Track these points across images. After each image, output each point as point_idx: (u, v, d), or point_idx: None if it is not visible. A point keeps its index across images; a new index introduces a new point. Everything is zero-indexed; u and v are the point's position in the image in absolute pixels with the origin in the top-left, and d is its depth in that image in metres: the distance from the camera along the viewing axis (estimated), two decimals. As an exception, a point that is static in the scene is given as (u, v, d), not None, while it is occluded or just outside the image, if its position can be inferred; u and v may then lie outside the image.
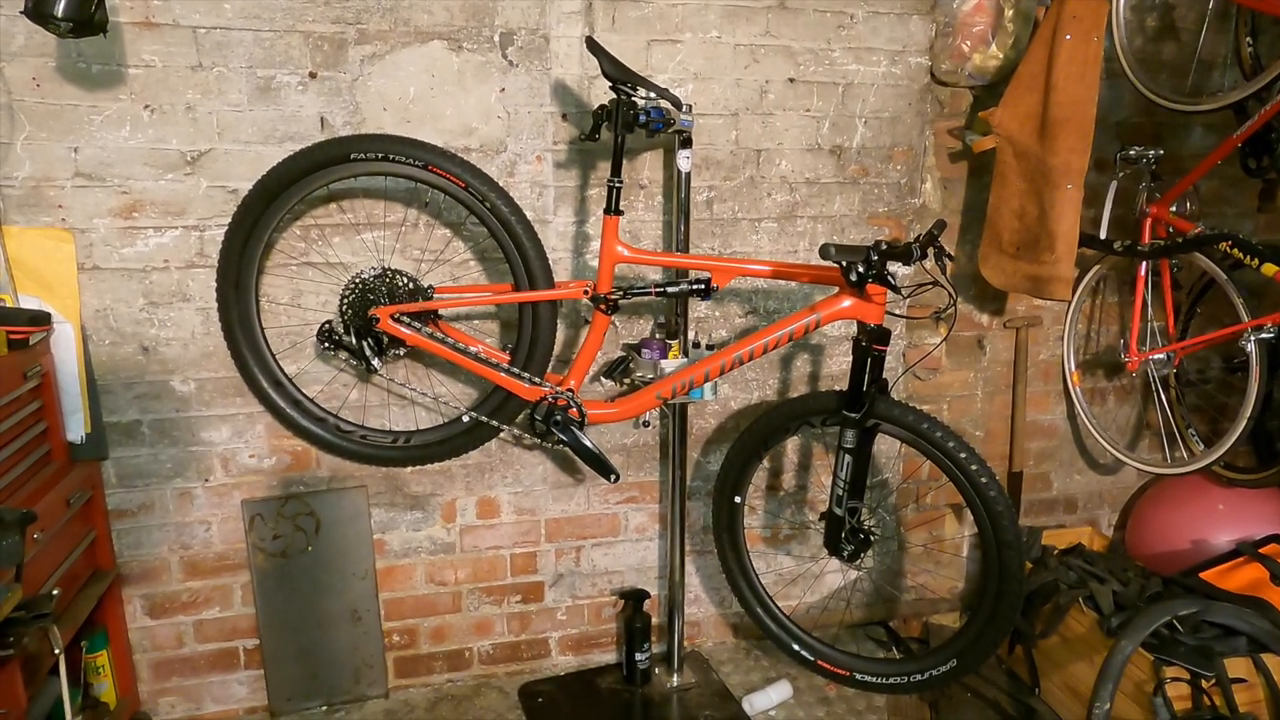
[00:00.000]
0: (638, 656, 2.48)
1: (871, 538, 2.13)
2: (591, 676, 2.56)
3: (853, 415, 2.02)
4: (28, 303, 2.00)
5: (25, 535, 1.52)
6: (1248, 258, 2.21)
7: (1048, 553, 2.59)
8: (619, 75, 1.98)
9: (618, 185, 2.03)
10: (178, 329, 2.14)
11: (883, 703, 2.45)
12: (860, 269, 1.88)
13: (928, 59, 2.48)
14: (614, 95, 2.00)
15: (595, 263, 2.33)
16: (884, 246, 1.89)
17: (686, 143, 2.18)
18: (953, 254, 2.60)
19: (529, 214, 2.12)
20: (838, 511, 2.10)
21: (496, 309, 2.33)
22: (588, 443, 2.13)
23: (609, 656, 2.66)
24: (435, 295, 2.11)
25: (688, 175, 2.22)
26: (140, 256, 2.08)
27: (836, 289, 2.02)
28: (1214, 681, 2.03)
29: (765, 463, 2.58)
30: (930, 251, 1.94)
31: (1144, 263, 2.55)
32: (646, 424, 2.32)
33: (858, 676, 2.24)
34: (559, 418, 2.12)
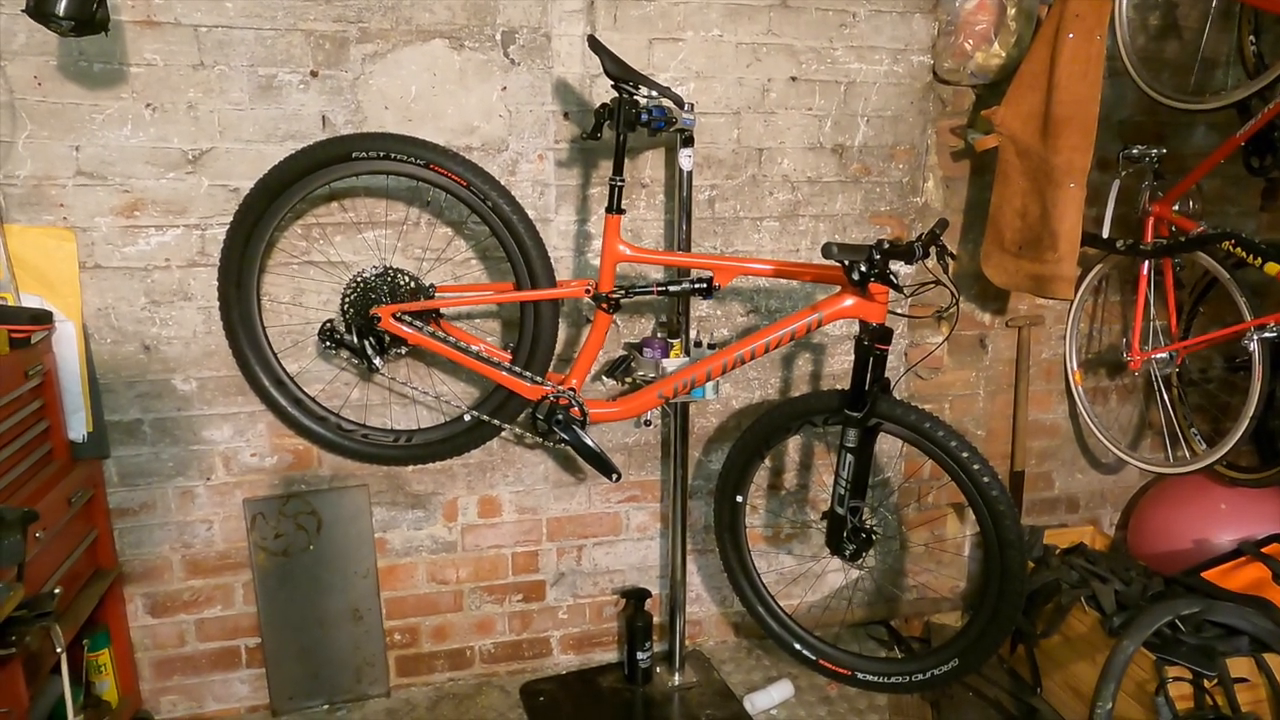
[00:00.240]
0: (639, 655, 2.47)
1: (873, 537, 2.12)
2: (593, 675, 2.56)
3: (855, 414, 2.02)
4: (29, 301, 2.00)
5: (27, 534, 1.52)
6: (1250, 257, 2.21)
7: (1050, 552, 2.59)
8: (621, 74, 1.97)
9: (619, 184, 2.03)
10: (179, 328, 2.14)
11: (884, 702, 2.45)
12: (862, 268, 1.87)
13: (930, 57, 2.48)
14: (616, 94, 2.00)
15: (597, 261, 2.32)
16: (886, 245, 1.88)
17: (688, 141, 2.18)
18: (955, 253, 2.58)
19: (530, 213, 2.12)
20: (839, 511, 2.10)
21: (498, 308, 2.33)
22: (589, 442, 2.13)
23: (610, 655, 2.66)
24: (437, 294, 2.11)
25: (689, 174, 2.22)
26: (142, 255, 2.08)
27: (838, 288, 2.02)
28: (1216, 681, 2.03)
29: (767, 462, 2.58)
30: (932, 250, 1.94)
31: (1146, 262, 2.55)
32: (648, 423, 2.32)
33: (859, 676, 2.24)
34: (561, 417, 2.12)
